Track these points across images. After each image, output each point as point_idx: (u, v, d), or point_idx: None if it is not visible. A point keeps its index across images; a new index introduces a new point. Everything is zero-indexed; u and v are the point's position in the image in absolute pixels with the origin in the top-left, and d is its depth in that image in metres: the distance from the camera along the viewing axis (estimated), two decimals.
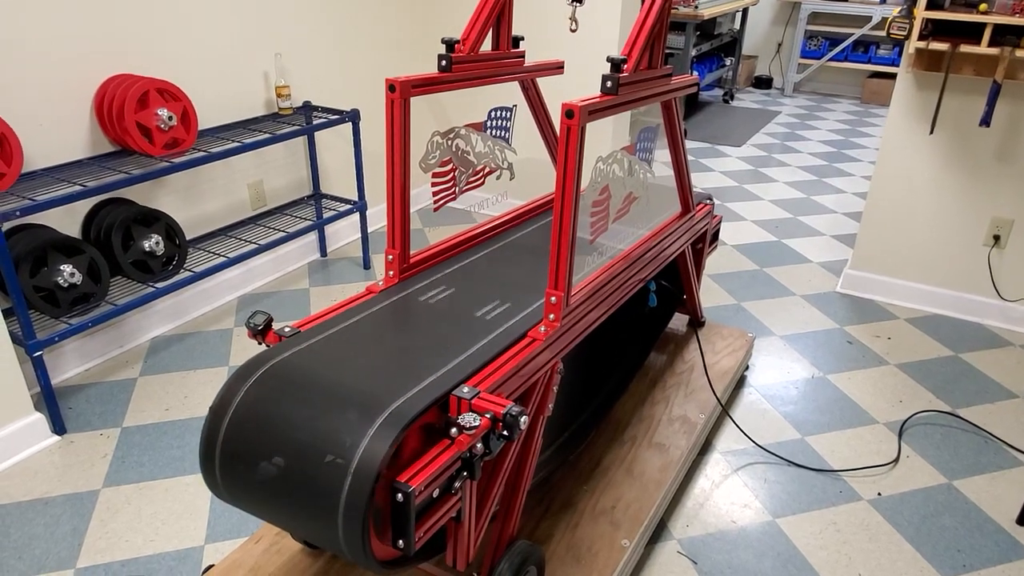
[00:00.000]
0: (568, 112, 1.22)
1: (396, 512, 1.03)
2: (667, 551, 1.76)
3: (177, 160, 2.33)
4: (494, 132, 1.73)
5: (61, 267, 2.11)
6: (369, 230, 3.46)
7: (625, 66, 1.36)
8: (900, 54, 6.18)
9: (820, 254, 3.43)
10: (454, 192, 1.65)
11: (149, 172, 2.22)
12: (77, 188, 2.09)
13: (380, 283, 1.51)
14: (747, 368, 2.51)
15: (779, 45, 6.91)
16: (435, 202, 1.60)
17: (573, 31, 1.59)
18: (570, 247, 1.31)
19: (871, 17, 6.18)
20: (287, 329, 1.29)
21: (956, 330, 2.77)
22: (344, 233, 3.45)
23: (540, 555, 1.42)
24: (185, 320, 2.76)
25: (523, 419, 1.09)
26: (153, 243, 2.37)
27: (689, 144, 5.18)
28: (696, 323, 2.48)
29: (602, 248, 1.71)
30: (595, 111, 1.27)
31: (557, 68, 1.91)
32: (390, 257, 1.52)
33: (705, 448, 2.13)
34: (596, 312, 1.52)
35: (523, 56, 1.76)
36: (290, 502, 1.05)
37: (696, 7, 4.80)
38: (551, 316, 1.36)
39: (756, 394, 2.38)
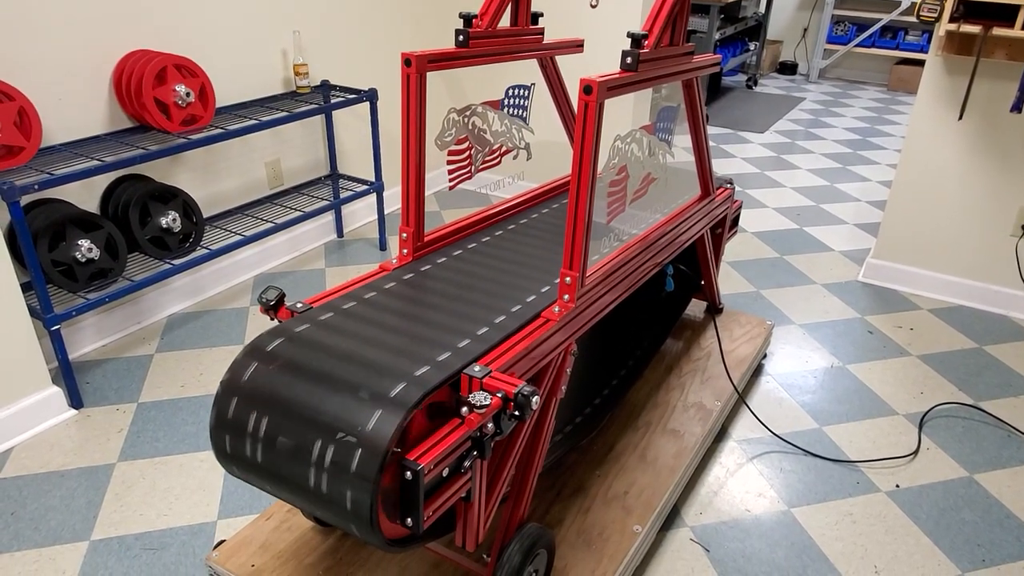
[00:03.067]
0: (586, 88, 1.19)
1: (405, 490, 1.02)
2: (679, 538, 1.74)
3: (195, 137, 2.32)
4: (511, 111, 1.71)
5: (79, 242, 2.12)
6: (386, 211, 3.45)
7: (646, 42, 1.33)
8: (929, 39, 6.05)
9: (842, 243, 3.37)
10: (470, 171, 1.62)
11: (166, 148, 2.22)
12: (94, 163, 2.09)
13: (394, 261, 1.49)
14: (765, 356, 2.48)
15: (805, 30, 6.78)
16: (451, 180, 1.58)
17: (594, 6, 1.56)
18: (586, 227, 1.28)
19: (900, 2, 6.04)
20: (299, 305, 1.28)
21: (981, 321, 2.71)
22: (361, 214, 3.44)
23: (550, 538, 1.41)
24: (202, 298, 2.77)
25: (535, 399, 1.07)
26: (170, 220, 2.37)
27: (711, 130, 5.11)
28: (714, 309, 2.45)
29: (619, 230, 1.68)
30: (614, 87, 1.24)
31: (577, 46, 1.88)
32: (404, 235, 1.50)
33: (720, 436, 2.10)
34: (611, 294, 1.50)
35: (542, 33, 1.72)
36: (299, 479, 1.04)
37: None
38: (565, 297, 1.34)
39: (773, 382, 2.34)
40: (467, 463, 1.07)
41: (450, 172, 1.56)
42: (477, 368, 1.11)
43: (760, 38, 6.14)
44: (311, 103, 2.83)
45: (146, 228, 2.33)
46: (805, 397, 2.27)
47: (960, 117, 2.47)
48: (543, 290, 1.41)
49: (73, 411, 2.14)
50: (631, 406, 2.00)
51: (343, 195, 3.11)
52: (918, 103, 2.65)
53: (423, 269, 1.46)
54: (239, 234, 2.61)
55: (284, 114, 2.60)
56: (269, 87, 2.80)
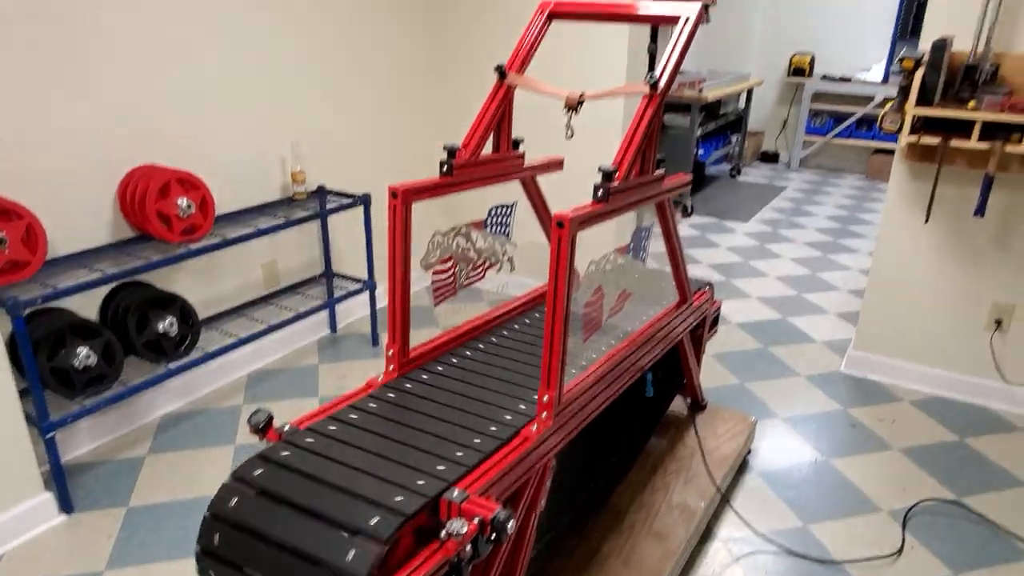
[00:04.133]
0: (559, 223, 1.28)
1: None
2: None
3: (194, 246, 2.43)
4: (495, 228, 1.81)
5: (78, 349, 2.18)
6: (378, 306, 3.53)
7: (616, 176, 1.44)
8: None
9: (825, 333, 3.45)
10: (454, 288, 1.71)
11: (166, 258, 2.31)
12: (96, 275, 2.18)
13: (380, 377, 1.56)
14: (749, 452, 2.52)
15: (784, 122, 7.07)
16: (435, 298, 1.66)
17: (569, 138, 1.68)
18: (562, 350, 1.35)
19: (873, 97, 6.34)
20: (287, 428, 1.34)
21: (961, 414, 2.77)
22: (354, 308, 3.53)
23: None
24: (195, 397, 2.82)
25: (510, 524, 1.12)
26: (167, 324, 2.45)
27: (696, 219, 5.27)
28: (697, 407, 2.50)
29: (596, 344, 1.76)
30: (586, 221, 1.34)
31: (557, 165, 2.00)
32: (390, 352, 1.57)
33: (706, 535, 2.12)
34: (590, 407, 1.56)
35: (523, 157, 1.85)
36: None
37: (700, 90, 4.96)
38: (543, 415, 1.40)
39: (758, 479, 2.37)
40: None
41: (435, 290, 1.65)
42: (456, 492, 1.16)
43: (741, 131, 6.40)
44: (307, 209, 2.96)
45: (143, 334, 2.40)
46: (789, 493, 2.30)
47: (927, 220, 2.59)
48: (521, 408, 1.47)
49: (64, 516, 2.15)
50: (616, 509, 2.03)
51: (337, 293, 3.20)
52: (887, 204, 2.78)
53: (407, 387, 1.53)
54: (234, 335, 2.68)
55: (281, 221, 2.71)
56: (267, 194, 2.93)
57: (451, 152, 1.61)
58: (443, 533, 1.09)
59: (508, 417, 1.43)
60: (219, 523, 1.16)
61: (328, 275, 3.28)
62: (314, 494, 1.15)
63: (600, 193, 1.42)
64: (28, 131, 2.14)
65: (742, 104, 6.38)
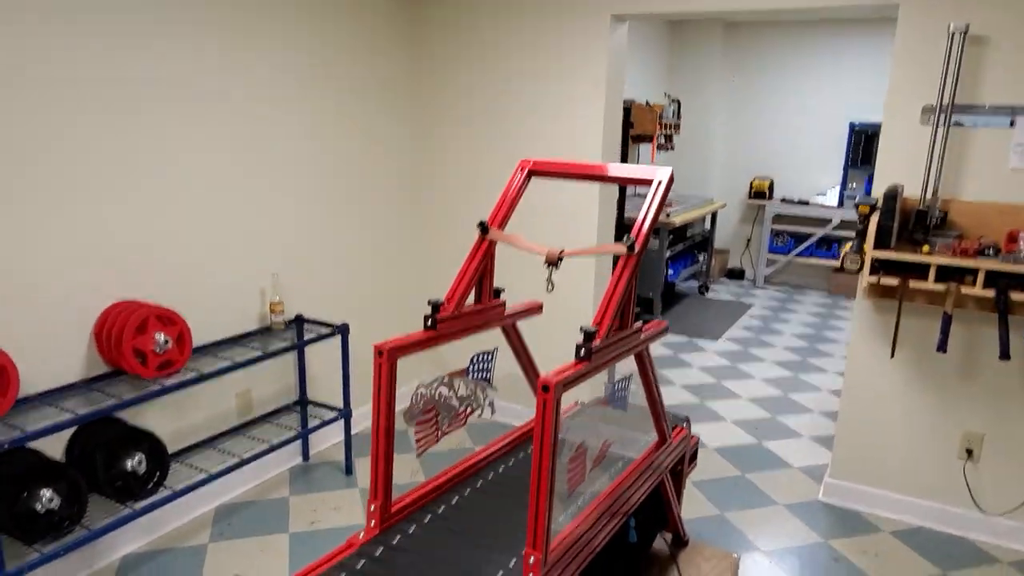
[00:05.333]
0: (544, 387, 1.31)
1: None
2: None
3: (168, 383, 2.40)
4: (476, 376, 1.83)
5: (41, 492, 2.10)
6: (353, 433, 3.48)
7: (597, 335, 1.48)
8: None
9: (800, 458, 3.47)
10: (436, 436, 1.71)
11: (140, 396, 2.28)
12: (68, 416, 2.13)
13: (361, 535, 1.53)
14: None
15: (748, 241, 7.35)
16: (418, 449, 1.66)
17: (549, 291, 1.74)
18: (548, 510, 1.35)
19: (830, 219, 6.65)
20: None
21: (942, 545, 2.76)
22: (327, 435, 3.47)
23: None
24: (159, 534, 2.70)
25: None
26: (136, 463, 2.38)
27: (668, 338, 5.36)
28: (679, 543, 2.46)
29: (579, 495, 1.75)
30: (570, 382, 1.37)
31: (537, 310, 2.05)
32: (372, 507, 1.55)
33: None
34: (577, 561, 1.54)
35: (504, 305, 1.89)
36: None
37: (668, 215, 5.17)
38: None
39: None
40: None
41: (417, 441, 1.65)
42: None
43: (708, 250, 6.63)
44: (285, 340, 2.96)
45: (111, 472, 2.32)
46: None
47: (892, 355, 2.68)
48: (510, 565, 1.44)
49: None
50: None
51: (312, 422, 3.16)
52: (853, 338, 2.87)
53: (390, 545, 1.49)
54: (204, 470, 2.61)
55: (258, 353, 2.71)
56: (245, 323, 2.94)
57: (435, 307, 1.65)
58: None
59: (498, 575, 1.40)
60: None
61: (303, 403, 3.24)
62: None
63: (583, 352, 1.45)
64: (2, 270, 2.14)
65: (708, 225, 6.63)
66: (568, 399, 3.12)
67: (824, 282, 7.06)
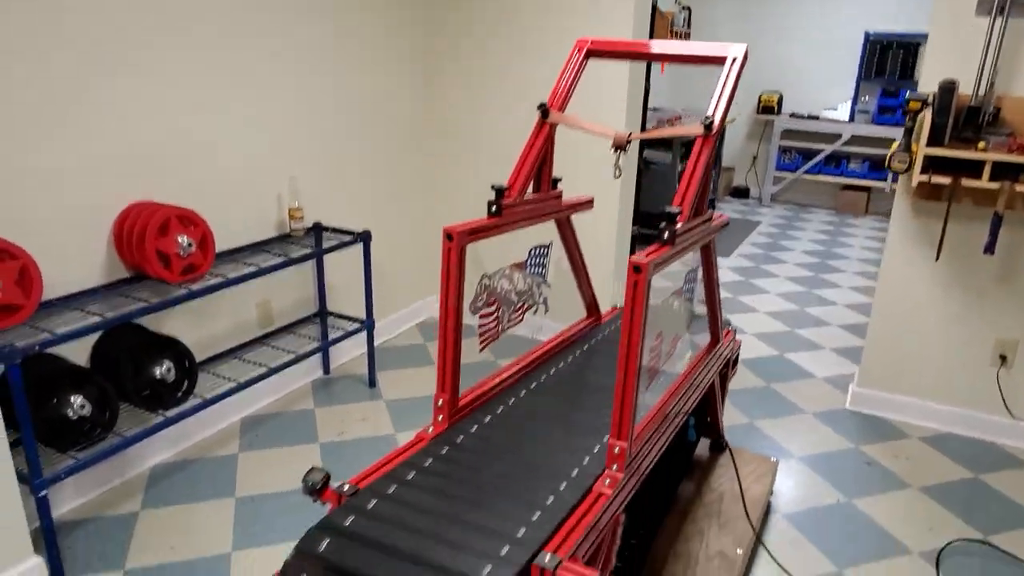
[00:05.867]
0: (636, 267, 1.23)
1: None
2: None
3: (195, 287, 2.30)
4: (533, 269, 1.75)
5: (71, 399, 2.02)
6: (376, 345, 3.41)
7: (679, 218, 1.39)
8: (871, 169, 6.49)
9: (824, 369, 3.46)
10: (498, 331, 1.63)
11: (168, 300, 2.18)
12: (95, 319, 2.03)
13: (430, 429, 1.47)
14: (771, 494, 2.47)
15: (754, 158, 7.22)
16: (481, 342, 1.58)
17: (617, 177, 1.64)
18: (634, 399, 1.29)
19: (840, 135, 6.51)
20: (346, 487, 1.24)
21: (972, 450, 2.77)
22: (347, 349, 3.40)
23: None
24: (186, 445, 2.65)
25: None
26: (164, 370, 2.30)
27: None
28: (719, 447, 2.45)
29: (653, 389, 1.70)
30: (660, 263, 1.29)
31: (588, 204, 1.95)
32: (440, 402, 1.48)
33: None
34: (651, 455, 1.49)
35: (561, 196, 1.79)
36: None
37: (677, 123, 5.02)
38: (614, 467, 1.32)
39: (784, 522, 2.32)
40: None
41: (480, 335, 1.57)
42: (547, 558, 1.08)
43: (716, 167, 6.50)
44: (304, 246, 2.85)
45: (139, 381, 2.25)
46: (818, 537, 2.25)
47: (937, 258, 2.62)
48: (585, 461, 1.39)
49: None
50: (652, 558, 1.95)
51: (332, 333, 3.08)
52: (891, 242, 2.81)
53: (460, 440, 1.43)
54: (231, 380, 2.54)
55: (281, 259, 2.60)
56: (263, 231, 2.82)
57: (499, 192, 1.54)
58: None
59: (575, 471, 1.34)
60: None
61: (323, 314, 3.16)
62: (390, 569, 1.05)
63: (666, 236, 1.37)
64: (20, 167, 2.00)
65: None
66: (611, 303, 3.05)
67: (831, 200, 6.98)
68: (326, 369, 3.27)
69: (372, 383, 3.17)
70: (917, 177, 2.45)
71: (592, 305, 2.17)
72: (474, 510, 1.20)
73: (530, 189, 1.70)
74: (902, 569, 2.13)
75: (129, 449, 2.43)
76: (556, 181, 1.77)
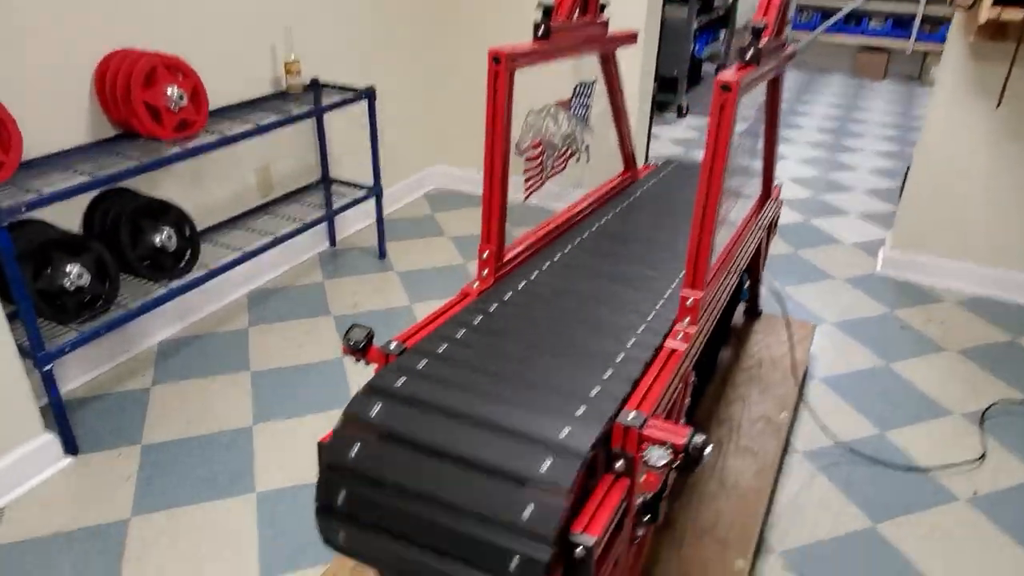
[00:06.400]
0: (724, 86, 1.04)
1: (572, 573, 0.85)
2: (771, 568, 1.62)
3: (191, 144, 2.08)
4: (577, 110, 1.55)
5: (67, 267, 1.86)
6: (385, 215, 3.23)
7: (765, 32, 1.18)
8: (895, 25, 6.10)
9: (852, 235, 3.32)
10: (542, 178, 1.46)
11: (162, 159, 1.98)
12: (84, 179, 1.83)
13: (475, 284, 1.32)
14: (809, 359, 2.38)
15: None
16: (525, 190, 1.41)
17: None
18: (712, 242, 1.13)
19: None
20: (393, 345, 1.10)
21: (1008, 312, 2.68)
22: (353, 219, 3.22)
23: None
24: (193, 320, 2.52)
25: (708, 450, 0.92)
26: (165, 237, 2.12)
27: (695, 121, 5.03)
28: (754, 313, 2.34)
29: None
30: (748, 82, 1.10)
31: (632, 38, 1.72)
32: (485, 255, 1.32)
33: (784, 448, 1.99)
34: (714, 311, 1.36)
35: (607, 24, 1.56)
36: (440, 572, 0.87)
37: None
38: (686, 320, 1.19)
39: (823, 387, 2.25)
40: (639, 531, 0.91)
41: (526, 180, 1.39)
42: (631, 415, 0.95)
43: (729, 26, 6.10)
44: (303, 104, 2.60)
45: (138, 248, 2.08)
46: (858, 401, 2.18)
47: (999, 104, 2.41)
48: (649, 317, 1.25)
49: (69, 458, 1.88)
50: (695, 424, 1.87)
51: (336, 201, 2.89)
52: (940, 89, 2.59)
53: (509, 297, 1.29)
54: (236, 249, 2.37)
55: (280, 117, 2.37)
56: (257, 88, 2.56)
57: (547, 11, 1.32)
58: (620, 462, 0.89)
59: (641, 327, 1.21)
60: (342, 476, 0.92)
61: (326, 181, 2.95)
62: (455, 434, 0.93)
63: (750, 54, 1.16)
64: None
65: None
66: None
67: (848, 64, 6.62)
68: (332, 241, 3.10)
69: (382, 254, 3.01)
70: (986, 12, 2.20)
71: (629, 158, 1.98)
72: (536, 369, 1.07)
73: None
74: (945, 430, 2.07)
75: (134, 325, 2.30)
76: (603, 6, 1.54)
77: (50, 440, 1.84)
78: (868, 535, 1.70)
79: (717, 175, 1.08)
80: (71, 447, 1.89)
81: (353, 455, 0.93)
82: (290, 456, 1.92)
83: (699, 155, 4.33)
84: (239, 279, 2.68)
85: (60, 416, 1.85)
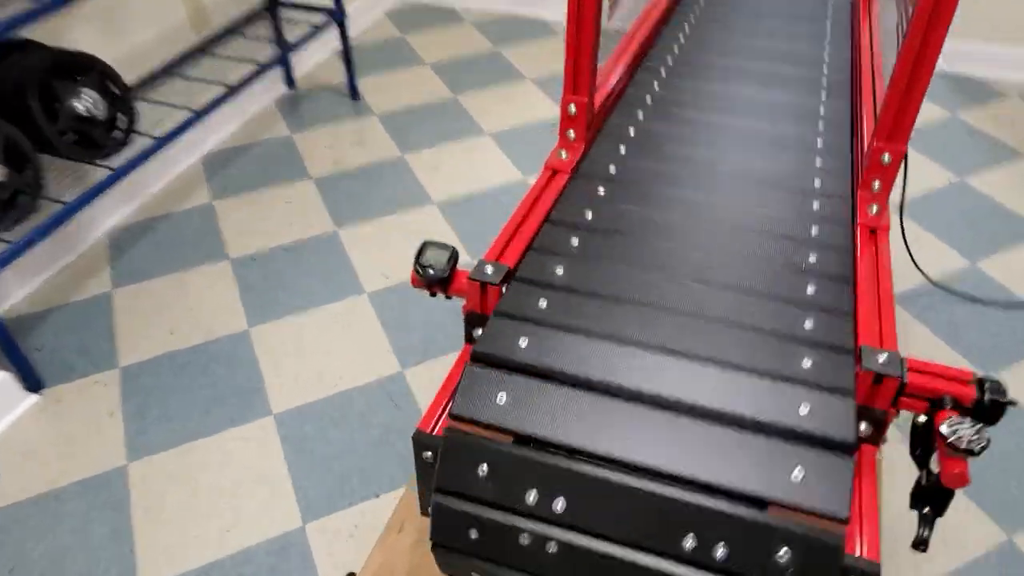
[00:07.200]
0: None
1: None
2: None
3: None
4: None
5: None
6: (351, 45, 2.69)
7: None
8: None
9: None
10: None
11: None
12: None
13: (562, 154, 0.94)
14: None
15: None
16: (611, 6, 0.99)
17: None
18: (926, 84, 0.76)
19: None
20: (489, 270, 0.74)
21: None
22: (311, 52, 2.67)
23: None
24: (144, 200, 2.08)
25: (1009, 397, 0.62)
26: (88, 103, 1.63)
27: None
28: None
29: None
30: None
31: None
32: (572, 109, 0.93)
33: None
34: None
35: None
36: None
37: None
38: (876, 185, 0.84)
39: (897, 214, 1.97)
40: (925, 533, 0.63)
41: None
42: (883, 358, 0.64)
43: None
44: None
45: (59, 121, 1.59)
46: (938, 227, 1.92)
47: None
48: (830, 195, 0.89)
49: (34, 397, 1.54)
50: None
51: (288, 31, 2.35)
52: None
53: (614, 171, 0.91)
54: (184, 108, 1.88)
55: None
56: None
57: None
58: (945, 445, 0.59)
59: (826, 211, 0.86)
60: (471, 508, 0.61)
61: (272, 7, 2.37)
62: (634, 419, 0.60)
63: None
64: None
65: None
66: None
67: None
68: (290, 82, 2.58)
69: (355, 95, 2.52)
70: None
71: None
72: (721, 287, 0.74)
73: None
74: None
75: (77, 218, 1.85)
76: None
77: (5, 379, 1.48)
78: None
79: None
80: (32, 382, 1.53)
81: (480, 451, 0.61)
82: (301, 364, 1.61)
83: None
84: (190, 141, 2.20)
85: (8, 344, 1.47)
